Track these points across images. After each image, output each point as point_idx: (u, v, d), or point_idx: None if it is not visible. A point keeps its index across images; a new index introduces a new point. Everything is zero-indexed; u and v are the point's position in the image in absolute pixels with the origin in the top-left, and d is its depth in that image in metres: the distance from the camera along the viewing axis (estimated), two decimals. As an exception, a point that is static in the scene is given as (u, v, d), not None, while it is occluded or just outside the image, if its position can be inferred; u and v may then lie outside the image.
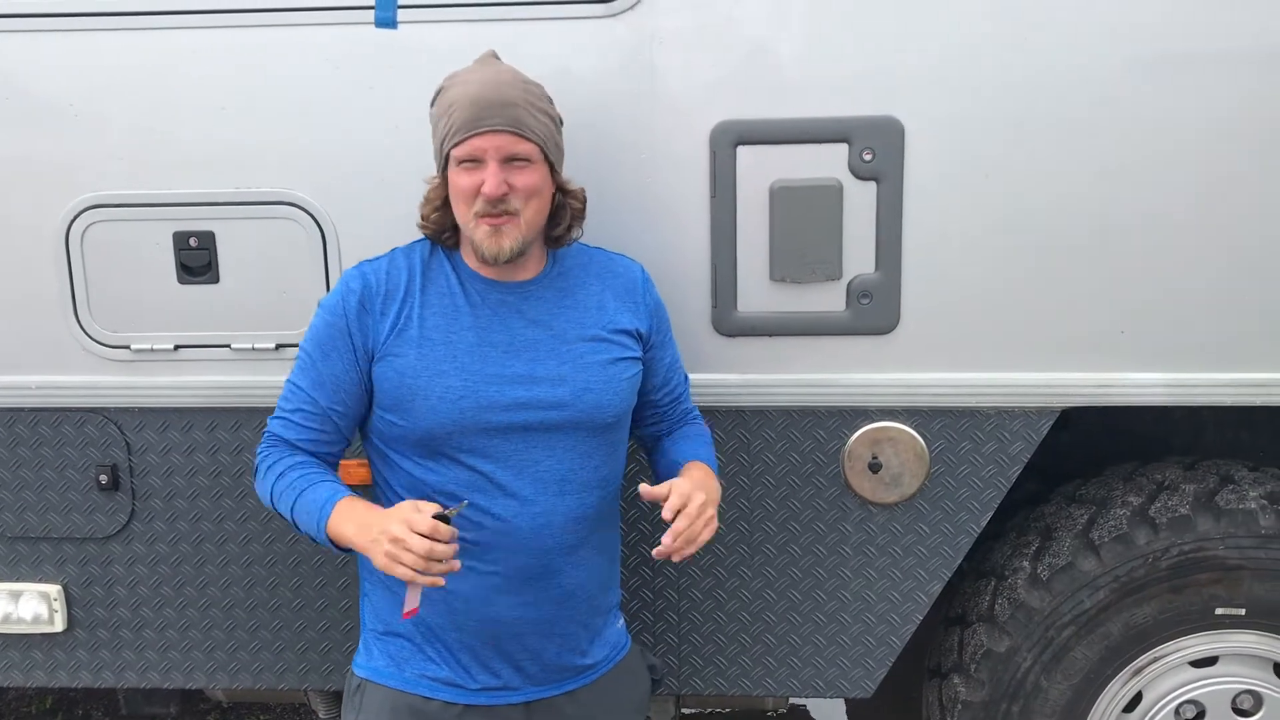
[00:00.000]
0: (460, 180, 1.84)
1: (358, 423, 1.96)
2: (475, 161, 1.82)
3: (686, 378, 2.18)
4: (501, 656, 1.94)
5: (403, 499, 1.85)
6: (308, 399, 1.91)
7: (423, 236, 1.97)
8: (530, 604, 1.91)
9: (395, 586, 1.90)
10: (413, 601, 1.74)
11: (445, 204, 1.90)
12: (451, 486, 1.87)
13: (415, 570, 1.65)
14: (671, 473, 2.00)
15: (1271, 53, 2.12)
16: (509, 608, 1.91)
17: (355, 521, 1.77)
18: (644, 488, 1.81)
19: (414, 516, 1.67)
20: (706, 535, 1.80)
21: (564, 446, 1.91)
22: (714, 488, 1.94)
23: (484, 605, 1.89)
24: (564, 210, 1.95)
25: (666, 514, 1.76)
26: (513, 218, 1.84)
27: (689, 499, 1.77)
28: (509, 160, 1.82)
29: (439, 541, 1.66)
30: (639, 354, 2.01)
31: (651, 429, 2.14)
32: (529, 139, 1.83)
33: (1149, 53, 2.14)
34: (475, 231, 1.85)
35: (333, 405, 1.91)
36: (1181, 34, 2.13)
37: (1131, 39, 2.13)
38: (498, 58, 1.94)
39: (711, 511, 1.82)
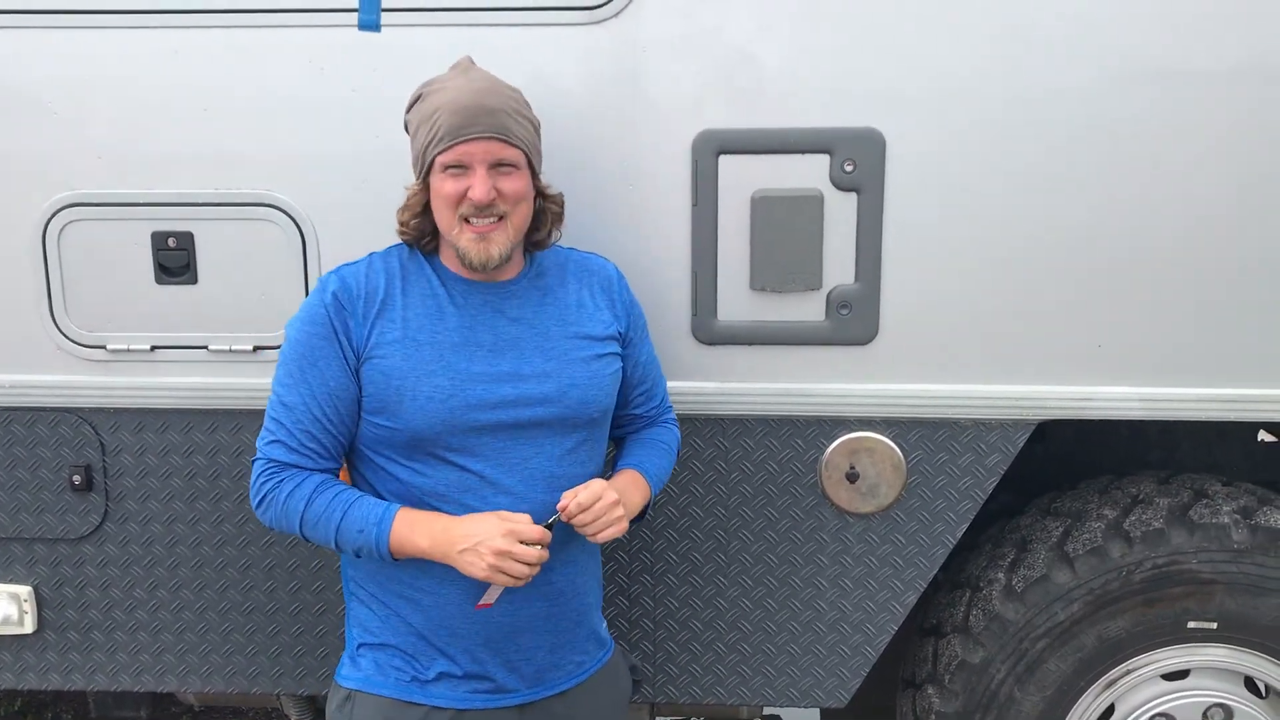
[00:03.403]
0: (445, 186, 1.83)
1: (354, 433, 1.91)
2: (461, 168, 1.82)
3: (662, 376, 2.18)
4: (497, 658, 1.93)
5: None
6: (305, 414, 1.86)
7: (399, 242, 1.97)
8: (523, 602, 1.91)
9: (383, 600, 1.93)
10: (492, 596, 1.85)
11: (425, 210, 1.89)
12: (442, 488, 1.87)
13: (515, 576, 1.77)
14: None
15: (1253, 74, 2.14)
16: (503, 607, 1.90)
17: (428, 533, 1.80)
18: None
19: (522, 529, 1.78)
20: (608, 534, 1.86)
21: (551, 443, 1.92)
22: (632, 497, 1.97)
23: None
24: (544, 214, 1.96)
25: (561, 504, 1.84)
26: (499, 223, 1.85)
27: (600, 496, 1.84)
28: (495, 166, 1.83)
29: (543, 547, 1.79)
30: (619, 351, 2.02)
31: (626, 429, 2.15)
32: (514, 145, 1.85)
33: (1131, 72, 2.15)
34: (460, 239, 1.85)
35: (330, 416, 1.86)
36: (1164, 54, 2.15)
37: (1113, 59, 2.15)
38: (474, 64, 1.94)
39: (618, 513, 1.86)
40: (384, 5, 2.09)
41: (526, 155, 1.88)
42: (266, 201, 2.28)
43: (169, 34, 2.23)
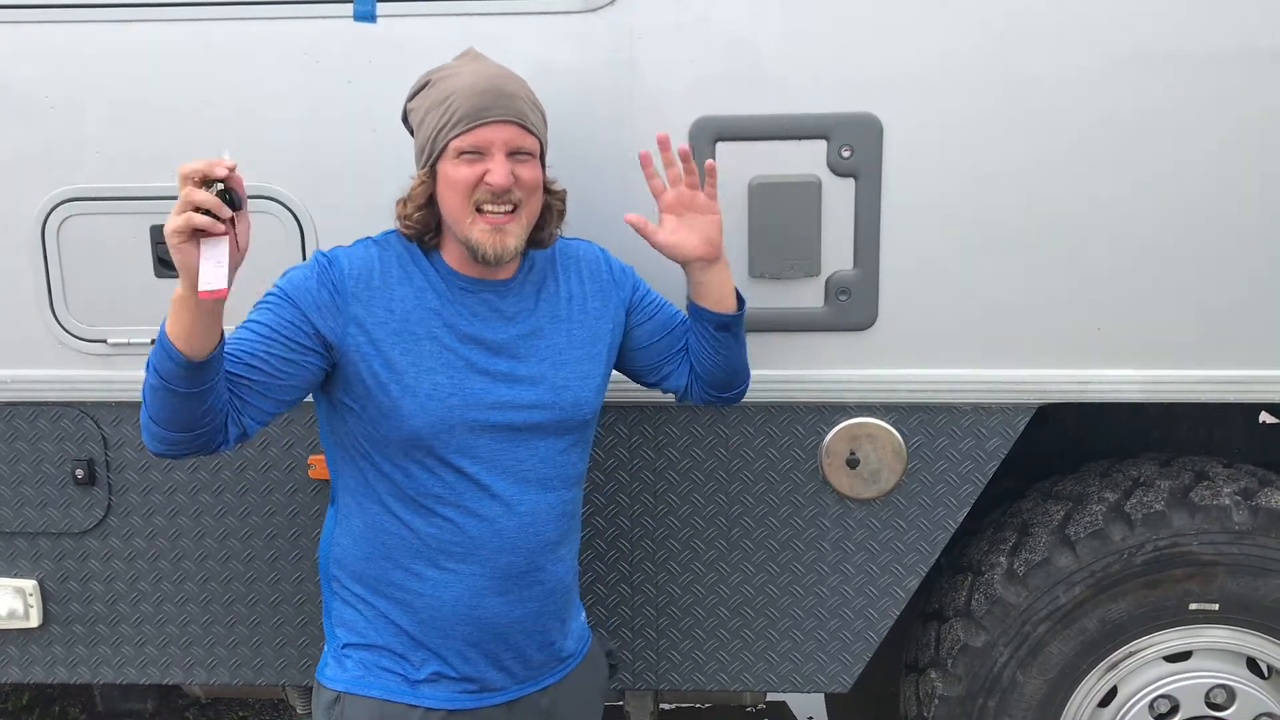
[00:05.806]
0: (459, 172, 1.77)
1: (281, 405, 1.78)
2: (477, 154, 1.77)
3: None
4: (487, 659, 1.92)
5: (392, 512, 1.85)
6: (237, 343, 1.74)
7: (393, 229, 1.91)
8: (516, 603, 1.90)
9: (370, 601, 1.91)
10: (210, 275, 1.54)
11: (429, 202, 1.83)
12: (439, 489, 1.83)
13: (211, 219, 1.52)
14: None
15: (1245, 54, 2.14)
16: (495, 609, 1.89)
17: (177, 296, 1.60)
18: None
19: (188, 169, 1.55)
20: (710, 222, 1.94)
21: (546, 445, 1.90)
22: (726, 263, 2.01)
23: (471, 608, 1.87)
24: (550, 211, 1.92)
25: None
26: (514, 214, 1.80)
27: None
28: (512, 154, 1.79)
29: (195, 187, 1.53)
30: (608, 350, 1.99)
31: (685, 353, 2.08)
32: (532, 132, 1.82)
33: (1125, 54, 2.15)
34: (473, 229, 1.78)
35: (271, 352, 1.73)
36: (1157, 35, 2.14)
37: (1108, 41, 2.14)
38: (481, 54, 1.92)
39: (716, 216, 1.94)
40: (379, -4, 2.10)
41: (541, 145, 1.85)
42: (264, 194, 2.28)
43: (165, 28, 2.23)
